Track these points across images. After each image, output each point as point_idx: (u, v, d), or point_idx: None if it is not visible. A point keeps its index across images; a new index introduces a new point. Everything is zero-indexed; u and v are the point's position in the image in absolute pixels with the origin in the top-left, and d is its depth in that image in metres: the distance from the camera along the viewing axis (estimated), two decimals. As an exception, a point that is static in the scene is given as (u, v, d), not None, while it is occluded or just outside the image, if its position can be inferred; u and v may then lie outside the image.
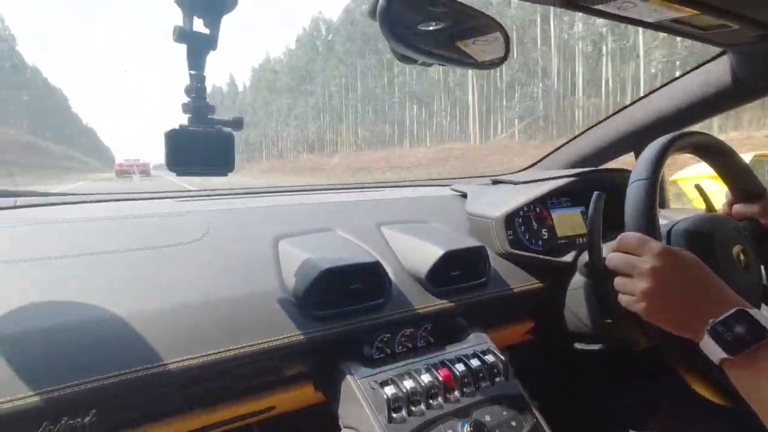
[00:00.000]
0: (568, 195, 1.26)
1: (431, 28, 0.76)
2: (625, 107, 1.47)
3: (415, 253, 0.97)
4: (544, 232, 1.18)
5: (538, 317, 1.15)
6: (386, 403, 0.74)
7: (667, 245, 0.73)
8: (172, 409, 0.72)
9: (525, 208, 1.14)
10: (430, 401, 0.77)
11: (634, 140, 1.44)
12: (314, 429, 0.94)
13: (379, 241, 1.02)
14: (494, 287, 1.03)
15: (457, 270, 0.97)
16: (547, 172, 1.29)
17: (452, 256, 0.94)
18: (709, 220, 0.91)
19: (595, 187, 0.89)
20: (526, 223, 1.16)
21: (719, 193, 1.05)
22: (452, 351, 0.89)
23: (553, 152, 1.69)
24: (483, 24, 0.82)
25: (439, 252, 0.92)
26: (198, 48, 0.65)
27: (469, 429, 0.75)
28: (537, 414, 0.82)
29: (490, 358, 0.87)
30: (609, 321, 0.93)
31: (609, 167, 1.47)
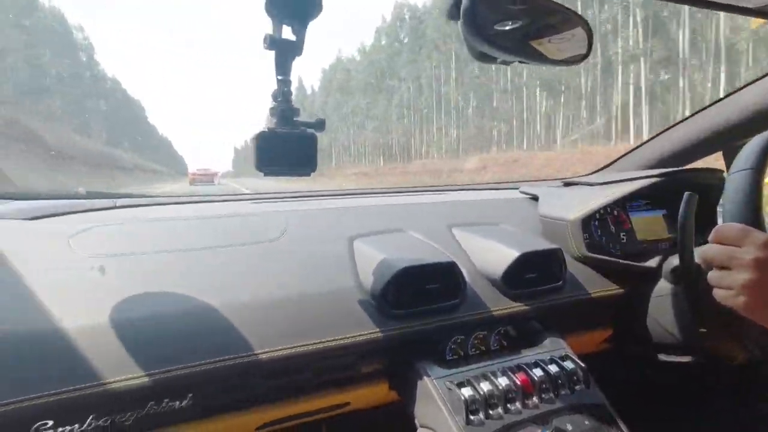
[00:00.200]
0: (648, 197, 1.19)
1: (508, 27, 0.76)
2: (711, 104, 1.37)
3: (488, 254, 0.95)
4: (622, 236, 1.12)
5: (617, 325, 1.10)
6: (464, 405, 0.73)
7: None
8: (257, 399, 0.76)
9: (602, 211, 1.10)
10: (508, 405, 0.76)
11: (723, 139, 1.33)
12: (387, 426, 0.95)
13: (451, 242, 1.01)
14: (571, 291, 0.99)
15: (532, 273, 0.95)
16: (624, 173, 1.22)
17: (528, 259, 0.91)
18: None
19: (681, 188, 0.84)
20: (604, 226, 1.11)
21: None
22: (528, 355, 0.87)
23: (627, 154, 1.60)
24: (564, 19, 0.80)
25: (514, 254, 0.91)
26: (285, 54, 0.69)
27: None
28: (622, 426, 0.78)
29: (569, 364, 0.84)
30: (703, 330, 0.86)
31: (694, 167, 1.37)
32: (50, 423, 0.60)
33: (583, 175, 1.62)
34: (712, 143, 1.36)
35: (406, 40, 63.36)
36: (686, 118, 1.43)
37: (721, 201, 1.17)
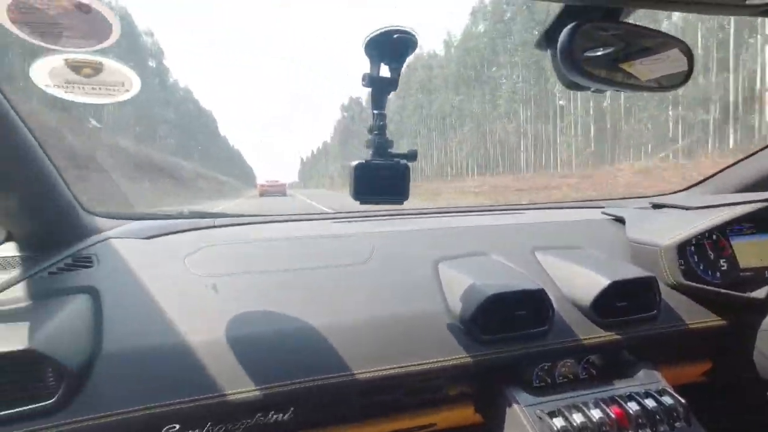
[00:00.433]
0: (753, 221, 1.10)
1: (600, 52, 0.75)
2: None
3: (576, 281, 0.93)
4: (722, 263, 1.05)
5: (717, 358, 1.02)
6: None
7: None
8: (351, 416, 0.80)
9: (699, 236, 1.03)
10: None
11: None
12: None
13: (535, 266, 1.00)
14: (666, 321, 0.94)
15: (623, 301, 0.91)
16: (725, 196, 1.14)
17: (619, 286, 0.88)
18: None
19: None
20: (701, 253, 1.04)
21: None
22: (621, 387, 0.84)
23: (722, 171, 1.49)
24: (659, 42, 0.78)
25: (604, 281, 0.88)
26: (382, 90, 0.73)
27: None
28: None
29: (667, 399, 0.80)
30: None
31: None
32: (177, 426, 0.68)
33: (669, 194, 1.53)
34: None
35: (516, 17, 45.15)
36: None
37: None
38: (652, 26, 0.79)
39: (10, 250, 0.90)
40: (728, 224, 1.04)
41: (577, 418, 0.74)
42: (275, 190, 23.94)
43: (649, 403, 0.78)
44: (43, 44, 0.55)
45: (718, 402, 1.19)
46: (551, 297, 0.88)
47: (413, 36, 0.68)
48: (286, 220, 1.24)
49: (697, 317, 0.97)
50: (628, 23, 0.73)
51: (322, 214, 1.33)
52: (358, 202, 0.74)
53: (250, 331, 0.77)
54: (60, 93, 0.67)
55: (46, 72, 0.63)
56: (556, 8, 0.69)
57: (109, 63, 0.67)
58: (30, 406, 0.62)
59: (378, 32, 0.67)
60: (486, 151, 50.46)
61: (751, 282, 1.01)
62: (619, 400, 0.79)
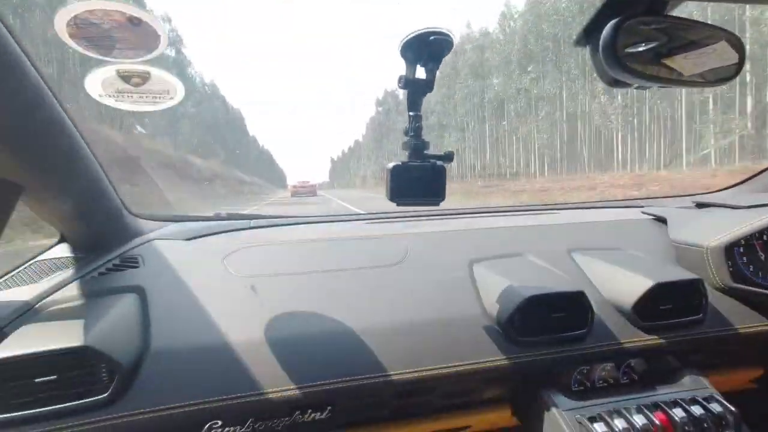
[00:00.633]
0: None
1: (642, 48, 0.73)
2: None
3: (617, 282, 0.91)
4: None
5: None
6: None
7: None
8: (386, 417, 0.80)
9: (748, 237, 0.98)
10: None
11: None
12: None
13: (572, 267, 0.98)
14: (713, 325, 0.90)
15: (668, 304, 0.88)
16: None
17: (663, 289, 0.85)
18: None
19: None
20: (750, 254, 0.99)
21: None
22: (665, 393, 0.81)
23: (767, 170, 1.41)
24: (705, 35, 0.75)
25: (648, 283, 0.85)
26: (417, 92, 0.73)
27: None
28: None
29: (716, 407, 0.77)
30: None
31: None
32: (220, 423, 0.70)
33: (712, 192, 1.47)
34: None
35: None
36: None
37: None
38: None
39: (63, 251, 0.95)
40: None
41: (619, 424, 0.73)
42: (306, 191, 24.37)
43: (696, 410, 0.76)
44: (98, 56, 0.58)
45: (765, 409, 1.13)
46: (590, 299, 0.86)
47: (449, 37, 0.68)
48: (320, 222, 1.26)
49: (747, 321, 0.93)
50: (673, 16, 0.71)
51: (355, 215, 1.34)
52: (395, 204, 0.75)
53: (289, 331, 0.79)
54: (111, 102, 0.71)
55: (100, 82, 0.66)
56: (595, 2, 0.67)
57: (156, 72, 0.70)
58: (85, 400, 0.65)
59: (414, 35, 0.67)
60: (568, 144, 38.02)
61: None
62: (663, 406, 0.77)
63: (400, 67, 0.70)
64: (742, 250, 0.99)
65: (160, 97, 0.71)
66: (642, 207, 1.36)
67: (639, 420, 0.74)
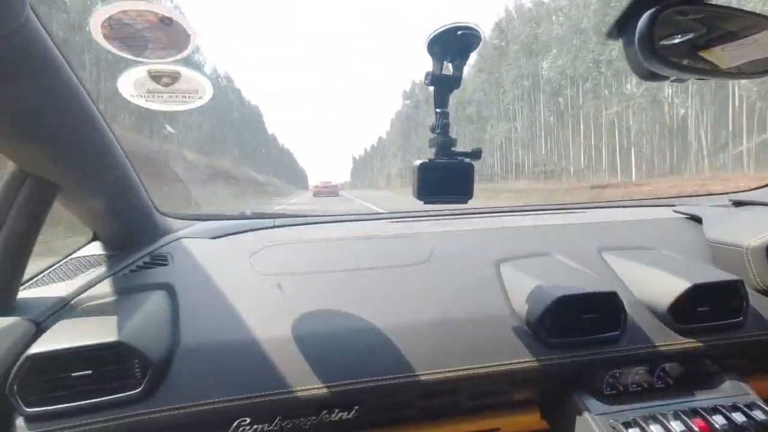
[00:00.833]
0: None
1: (678, 40, 0.70)
2: None
3: (651, 283, 0.88)
4: None
5: None
6: None
7: None
8: (413, 418, 0.79)
9: None
10: None
11: None
12: None
13: (603, 268, 0.96)
14: (754, 329, 0.87)
15: (705, 306, 0.85)
16: None
17: (701, 290, 0.82)
18: None
19: None
20: None
21: None
22: (703, 399, 0.78)
23: None
24: (746, 25, 0.72)
25: (684, 284, 0.82)
26: (445, 88, 0.72)
27: None
28: None
29: (759, 414, 0.73)
30: None
31: None
32: (248, 420, 0.70)
33: (749, 191, 1.41)
34: None
35: None
36: None
37: None
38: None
39: (95, 249, 0.97)
40: None
41: (656, 430, 0.70)
42: (328, 191, 25.13)
43: (738, 417, 0.72)
44: (131, 57, 0.59)
45: None
46: (623, 300, 0.84)
47: (477, 32, 0.67)
48: (344, 221, 1.26)
49: None
50: (712, 4, 0.68)
51: (378, 214, 1.33)
52: (422, 202, 0.74)
53: (315, 329, 0.79)
54: (142, 102, 0.72)
55: (132, 83, 0.67)
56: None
57: (185, 71, 0.71)
58: (120, 395, 0.66)
59: (441, 30, 0.67)
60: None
61: None
62: (702, 412, 0.73)
63: (428, 58, 0.69)
64: None
65: (189, 97, 0.72)
66: (673, 206, 1.31)
67: (676, 426, 0.71)
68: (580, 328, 0.80)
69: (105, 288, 0.86)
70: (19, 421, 0.63)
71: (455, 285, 0.90)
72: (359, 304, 0.84)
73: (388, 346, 0.77)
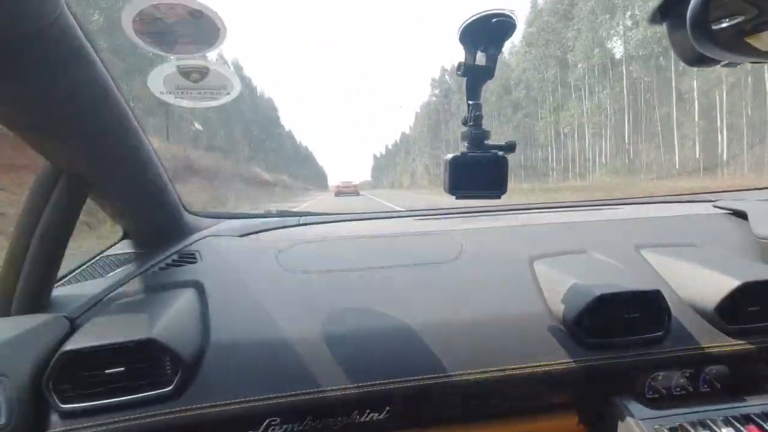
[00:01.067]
0: None
1: (731, 22, 0.66)
2: None
3: (696, 282, 0.83)
4: None
5: None
6: None
7: None
8: (445, 420, 0.77)
9: None
10: None
11: None
12: None
13: (642, 265, 0.91)
14: None
15: (755, 305, 0.80)
16: None
17: (751, 289, 0.77)
18: None
19: None
20: None
21: None
22: (756, 405, 0.73)
23: None
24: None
25: (733, 282, 0.78)
26: (477, 79, 0.70)
27: None
28: None
29: None
30: None
31: None
32: (279, 420, 0.69)
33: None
34: None
35: None
36: None
37: None
38: None
39: (126, 247, 0.98)
40: None
41: None
42: (349, 191, 26.36)
43: None
44: (161, 52, 0.59)
45: None
46: (666, 299, 0.80)
47: (512, 19, 0.64)
48: (369, 218, 1.25)
49: None
50: None
51: (405, 211, 1.31)
52: (453, 197, 0.71)
53: (345, 328, 0.77)
54: (171, 99, 0.72)
55: (161, 79, 0.67)
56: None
57: (213, 67, 0.70)
58: (152, 392, 0.66)
59: (474, 18, 0.64)
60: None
61: None
62: (756, 419, 0.69)
63: (458, 46, 0.65)
64: None
65: (217, 93, 0.72)
66: (712, 201, 1.25)
67: None
68: (621, 328, 0.77)
69: (136, 285, 0.87)
70: (54, 417, 0.64)
71: (487, 283, 0.87)
72: (389, 302, 0.82)
73: (420, 345, 0.75)
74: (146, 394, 0.66)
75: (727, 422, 0.69)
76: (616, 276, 0.84)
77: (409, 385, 0.72)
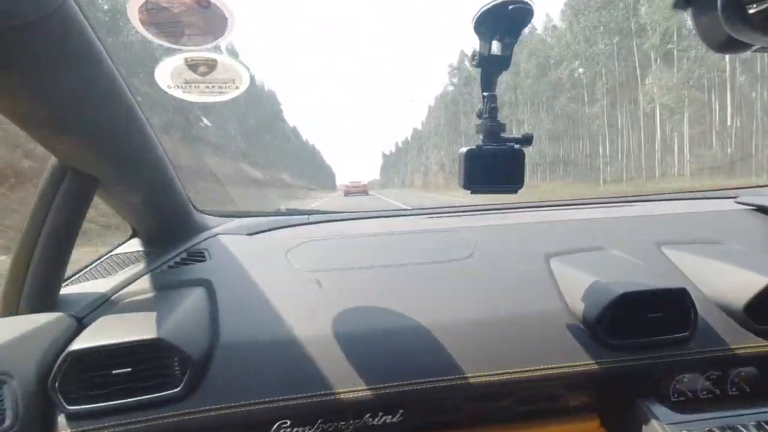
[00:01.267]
0: None
1: (765, 4, 0.62)
2: None
3: (722, 280, 0.80)
4: None
5: None
6: None
7: None
8: (460, 423, 0.75)
9: None
10: None
11: None
12: None
13: (664, 263, 0.88)
14: None
15: None
16: None
17: None
18: None
19: None
20: None
21: None
22: None
23: None
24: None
25: (763, 280, 0.74)
26: (492, 70, 0.67)
27: None
28: None
29: None
30: None
31: None
32: (289, 422, 0.67)
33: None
34: None
35: None
36: None
37: None
38: None
39: (134, 246, 0.97)
40: None
41: None
42: (358, 191, 26.79)
43: None
44: (167, 44, 0.57)
45: None
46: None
47: (530, 5, 0.62)
48: (380, 216, 1.22)
49: None
50: None
51: (416, 209, 1.29)
52: (468, 191, 0.69)
53: (357, 328, 0.75)
54: (179, 93, 0.70)
55: (169, 72, 0.65)
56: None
57: (222, 59, 0.68)
58: (159, 394, 0.64)
59: (491, 5, 0.61)
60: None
61: None
62: None
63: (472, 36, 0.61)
64: None
65: (226, 87, 0.70)
66: (734, 197, 1.21)
67: None
68: (644, 328, 0.74)
69: (144, 284, 0.86)
70: (60, 419, 0.62)
71: (502, 281, 0.85)
72: (401, 302, 0.80)
73: (434, 346, 0.73)
74: (153, 395, 0.64)
75: (759, 427, 0.66)
76: (637, 274, 0.81)
77: (423, 387, 0.69)
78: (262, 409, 0.66)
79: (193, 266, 0.91)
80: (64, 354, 0.62)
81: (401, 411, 0.71)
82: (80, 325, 0.75)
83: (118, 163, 0.73)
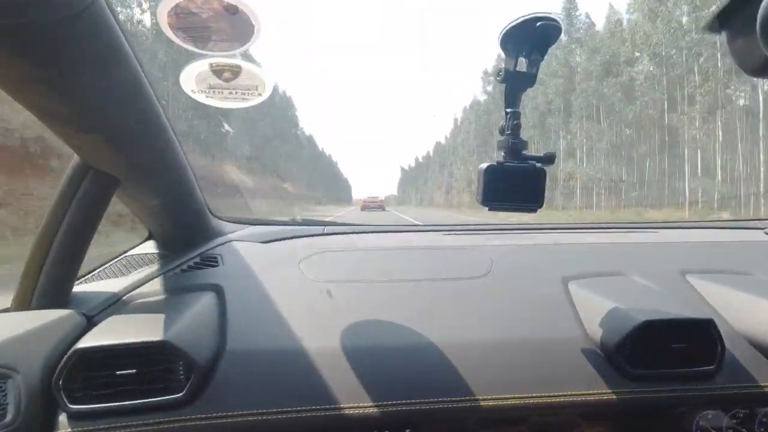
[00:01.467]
0: None
1: None
2: None
3: (753, 312, 0.76)
4: None
5: None
6: None
7: None
8: None
9: None
10: None
11: None
12: None
13: (689, 292, 0.85)
14: None
15: None
16: None
17: None
18: None
19: None
20: None
21: None
22: None
23: None
24: None
25: None
26: (517, 87, 0.66)
27: None
28: None
29: None
30: None
31: None
32: None
33: None
34: None
35: None
36: None
37: None
38: None
39: (149, 247, 0.97)
40: None
41: None
42: (375, 205, 27.33)
43: None
44: (195, 49, 0.58)
45: None
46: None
47: (558, 23, 0.61)
48: (395, 231, 1.21)
49: None
50: None
51: (432, 225, 1.27)
52: (486, 208, 0.67)
53: (367, 342, 0.73)
54: (202, 98, 0.71)
55: (194, 77, 0.66)
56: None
57: (246, 66, 0.69)
58: (162, 398, 0.63)
59: (518, 21, 0.61)
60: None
61: None
62: None
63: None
64: None
65: (249, 93, 0.70)
66: (762, 228, 1.17)
67: None
68: (667, 359, 0.70)
69: (156, 286, 0.86)
70: (61, 418, 0.62)
71: (518, 302, 0.82)
72: (413, 318, 0.78)
73: (445, 365, 0.71)
74: (156, 399, 0.63)
75: None
76: (661, 302, 0.78)
77: (431, 407, 0.67)
78: (265, 421, 0.64)
79: (205, 271, 0.90)
80: (70, 351, 0.61)
81: (408, 431, 0.69)
82: (90, 323, 0.75)
83: (139, 165, 0.73)
